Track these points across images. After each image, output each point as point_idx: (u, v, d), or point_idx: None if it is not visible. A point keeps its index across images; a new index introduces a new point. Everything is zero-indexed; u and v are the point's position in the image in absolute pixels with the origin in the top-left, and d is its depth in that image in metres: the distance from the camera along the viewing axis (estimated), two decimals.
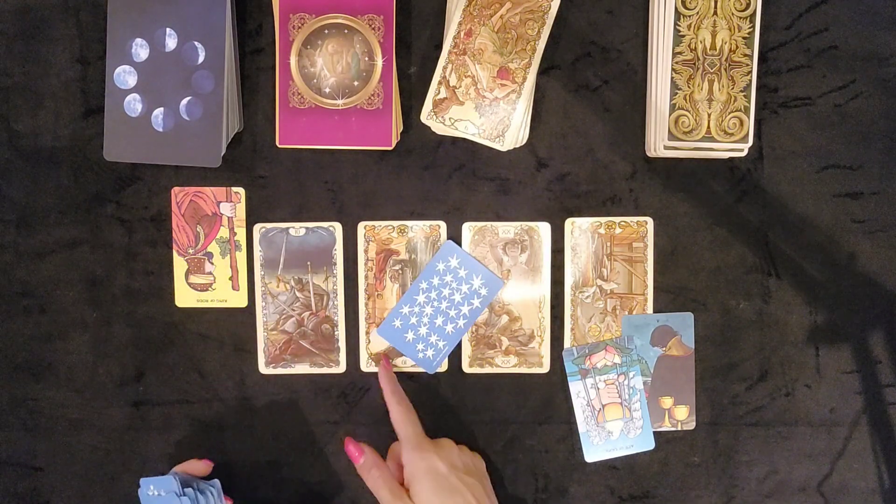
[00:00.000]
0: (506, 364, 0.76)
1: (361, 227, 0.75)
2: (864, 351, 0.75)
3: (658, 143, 0.72)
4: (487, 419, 0.76)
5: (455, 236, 0.75)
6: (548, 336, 0.75)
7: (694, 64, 0.71)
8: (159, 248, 0.76)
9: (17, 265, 0.76)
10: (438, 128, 0.73)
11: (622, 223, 0.75)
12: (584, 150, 0.75)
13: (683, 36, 0.71)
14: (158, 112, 0.72)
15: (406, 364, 0.76)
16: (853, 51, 0.74)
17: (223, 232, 0.76)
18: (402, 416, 0.70)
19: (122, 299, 0.76)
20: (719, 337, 0.76)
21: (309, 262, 0.76)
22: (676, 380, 0.76)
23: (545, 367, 0.76)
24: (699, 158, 0.74)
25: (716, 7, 0.71)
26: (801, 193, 0.75)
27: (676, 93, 0.71)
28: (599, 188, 0.75)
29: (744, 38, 0.71)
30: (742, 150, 0.73)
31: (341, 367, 0.76)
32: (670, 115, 0.71)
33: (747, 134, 0.72)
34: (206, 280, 0.76)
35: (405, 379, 0.75)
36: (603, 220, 0.75)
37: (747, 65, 0.71)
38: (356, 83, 0.73)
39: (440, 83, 0.72)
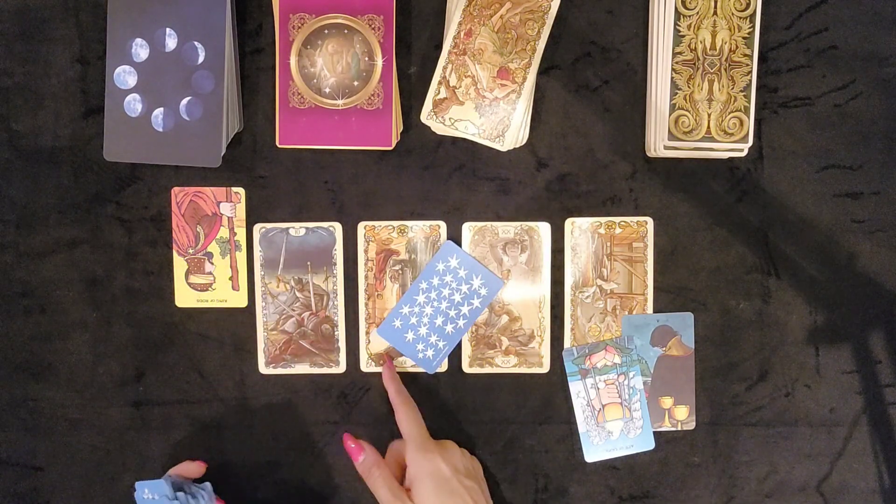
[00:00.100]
0: (506, 364, 0.76)
1: (361, 227, 0.75)
2: (864, 351, 0.75)
3: (658, 143, 0.72)
4: (487, 419, 0.76)
5: (455, 236, 0.75)
6: (548, 336, 0.75)
7: (694, 64, 0.71)
8: (159, 248, 0.76)
9: (17, 265, 0.76)
10: (438, 128, 0.73)
11: (622, 223, 0.75)
12: (584, 150, 0.75)
13: (683, 36, 0.71)
14: (158, 112, 0.72)
15: (406, 364, 0.76)
16: (853, 51, 0.74)
17: (223, 232, 0.76)
18: (407, 416, 0.70)
19: (122, 299, 0.76)
20: (719, 337, 0.76)
21: (309, 262, 0.76)
22: (676, 380, 0.76)
23: (545, 367, 0.76)
24: (699, 158, 0.74)
25: (716, 7, 0.71)
26: (801, 193, 0.75)
27: (676, 93, 0.71)
28: (599, 188, 0.75)
29: (744, 38, 0.71)
30: (742, 150, 0.73)
31: (341, 367, 0.76)
32: (670, 115, 0.71)
33: (747, 134, 0.72)
34: (206, 280, 0.76)
35: (405, 379, 0.75)
36: (603, 220, 0.75)
37: (747, 65, 0.71)
38: (356, 83, 0.73)
39: (440, 83, 0.72)
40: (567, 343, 0.75)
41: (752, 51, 0.71)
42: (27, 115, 0.75)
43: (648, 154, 0.75)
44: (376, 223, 0.75)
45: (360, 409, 0.76)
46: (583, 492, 0.76)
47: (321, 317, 0.76)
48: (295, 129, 0.73)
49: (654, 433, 0.75)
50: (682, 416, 0.76)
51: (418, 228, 0.75)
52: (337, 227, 0.75)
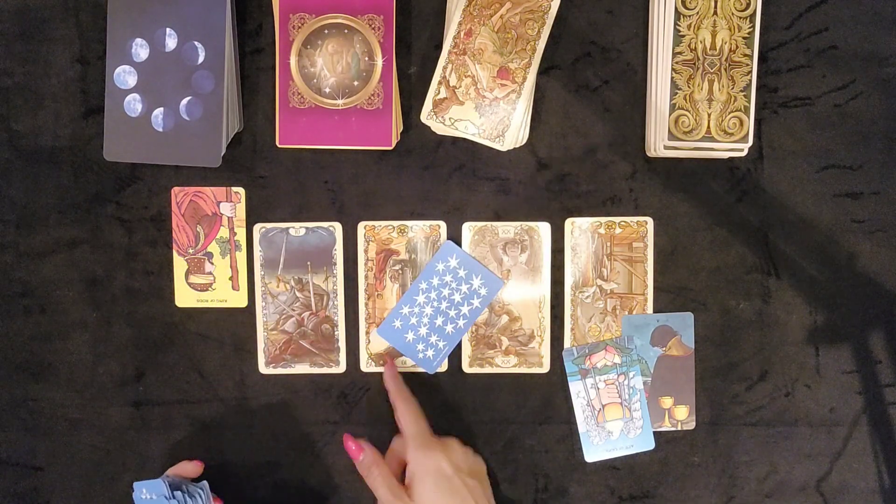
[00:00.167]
0: (506, 364, 0.76)
1: (361, 227, 0.75)
2: (864, 351, 0.75)
3: (658, 143, 0.72)
4: (487, 419, 0.76)
5: (455, 236, 0.75)
6: (548, 336, 0.75)
7: (694, 64, 0.71)
8: (159, 248, 0.76)
9: (17, 265, 0.76)
10: (438, 128, 0.73)
11: (622, 223, 0.75)
12: (584, 150, 0.75)
13: (683, 36, 0.71)
14: (158, 112, 0.72)
15: (406, 364, 0.76)
16: (853, 51, 0.74)
17: (223, 232, 0.76)
18: (408, 414, 0.70)
19: (122, 299, 0.76)
20: (719, 337, 0.76)
21: (309, 262, 0.76)
22: (676, 380, 0.76)
23: (545, 367, 0.76)
24: (699, 158, 0.74)
25: (716, 7, 0.71)
26: (801, 193, 0.75)
27: (676, 93, 0.71)
28: (599, 188, 0.75)
29: (744, 38, 0.71)
30: (742, 150, 0.73)
31: (341, 367, 0.76)
32: (670, 115, 0.71)
33: (747, 134, 0.72)
34: (206, 280, 0.76)
35: (406, 379, 0.75)
36: (603, 220, 0.75)
37: (747, 65, 0.71)
38: (356, 83, 0.73)
39: (440, 83, 0.72)
40: (567, 343, 0.75)
41: (752, 51, 0.71)
42: (27, 115, 0.75)
43: (648, 154, 0.75)
44: (376, 223, 0.75)
45: (360, 409, 0.76)
46: (583, 492, 0.76)
47: (321, 317, 0.76)
48: (295, 129, 0.73)
49: (654, 433, 0.75)
50: (682, 416, 0.76)
51: (418, 228, 0.75)
52: (337, 227, 0.75)
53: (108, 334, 0.76)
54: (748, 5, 0.71)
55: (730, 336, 0.76)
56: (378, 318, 0.75)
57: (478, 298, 0.75)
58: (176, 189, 0.75)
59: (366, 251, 0.75)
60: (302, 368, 0.76)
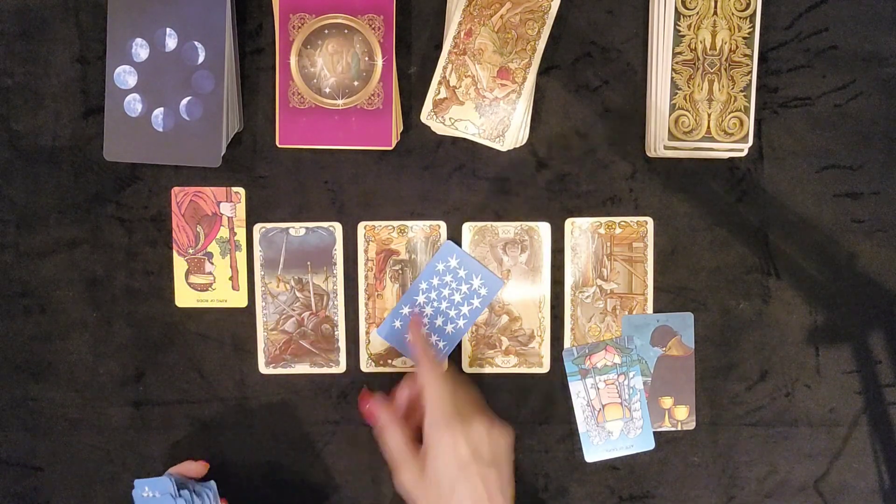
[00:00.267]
0: (506, 364, 0.76)
1: (361, 227, 0.75)
2: (864, 351, 0.75)
3: (658, 143, 0.72)
4: None
5: (455, 236, 0.75)
6: (548, 336, 0.75)
7: (694, 64, 0.71)
8: (159, 248, 0.76)
9: (17, 265, 0.76)
10: (438, 128, 0.73)
11: (622, 223, 0.75)
12: (584, 150, 0.75)
13: (683, 36, 0.71)
14: (158, 112, 0.72)
15: (406, 364, 0.76)
16: (853, 51, 0.74)
17: (223, 232, 0.76)
18: (430, 378, 0.66)
19: (122, 299, 0.76)
20: (719, 337, 0.76)
21: (309, 262, 0.76)
22: (676, 380, 0.76)
23: (545, 367, 0.76)
24: (699, 158, 0.74)
25: (716, 7, 0.71)
26: (801, 193, 0.75)
27: (676, 93, 0.71)
28: (599, 188, 0.75)
29: (744, 38, 0.71)
30: (742, 150, 0.73)
31: (341, 367, 0.76)
32: (670, 115, 0.71)
33: (747, 134, 0.72)
34: (206, 280, 0.76)
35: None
36: (603, 220, 0.75)
37: (747, 65, 0.71)
38: (356, 83, 0.73)
39: (440, 83, 0.72)
40: (567, 343, 0.75)
41: (752, 51, 0.71)
42: (27, 115, 0.75)
43: (648, 154, 0.75)
44: (376, 223, 0.75)
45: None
46: (583, 492, 0.76)
47: (321, 317, 0.76)
48: (295, 129, 0.73)
49: (654, 433, 0.75)
50: (682, 416, 0.76)
51: (418, 228, 0.75)
52: (337, 227, 0.75)
53: (108, 334, 0.76)
54: (748, 5, 0.71)
55: (730, 336, 0.76)
56: (378, 318, 0.75)
57: (478, 298, 0.75)
58: (176, 189, 0.75)
59: (366, 251, 0.75)
60: (302, 368, 0.76)
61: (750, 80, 0.71)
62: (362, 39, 0.73)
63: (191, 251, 0.76)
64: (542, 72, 0.74)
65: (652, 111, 0.73)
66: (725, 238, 0.75)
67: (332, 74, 0.73)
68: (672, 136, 0.72)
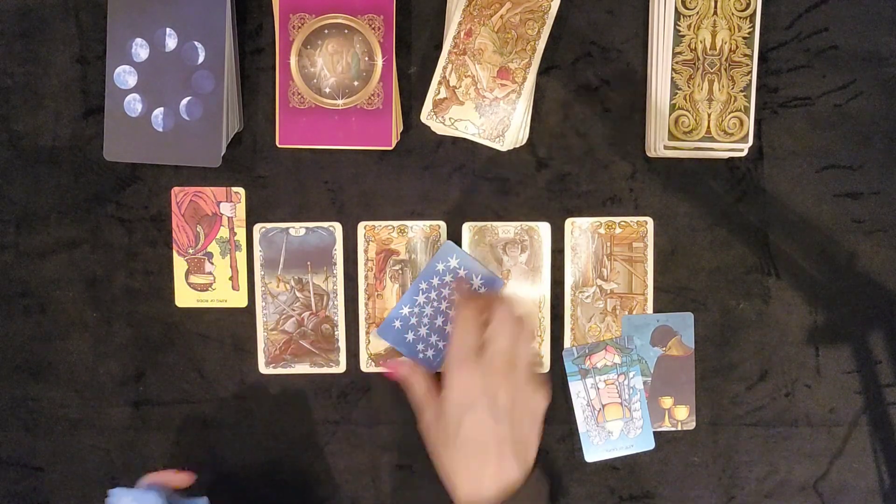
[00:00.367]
0: None
1: (361, 227, 0.75)
2: (864, 351, 0.75)
3: (658, 143, 0.72)
4: None
5: (455, 236, 0.75)
6: (548, 336, 0.75)
7: (694, 64, 0.71)
8: (159, 248, 0.76)
9: (17, 265, 0.76)
10: (438, 128, 0.73)
11: (622, 223, 0.75)
12: (584, 150, 0.75)
13: (683, 36, 0.71)
14: (158, 112, 0.72)
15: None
16: (853, 51, 0.74)
17: (223, 232, 0.76)
18: (459, 320, 0.64)
19: (122, 299, 0.76)
20: (719, 337, 0.76)
21: (309, 262, 0.76)
22: (676, 380, 0.76)
23: (545, 367, 0.76)
24: (699, 158, 0.74)
25: (716, 7, 0.71)
26: (801, 193, 0.75)
27: (676, 93, 0.71)
28: (599, 188, 0.75)
29: (744, 38, 0.71)
30: (742, 150, 0.73)
31: (341, 367, 0.76)
32: (670, 115, 0.71)
33: (747, 134, 0.72)
34: (206, 280, 0.76)
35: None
36: (603, 220, 0.75)
37: (747, 65, 0.71)
38: (356, 83, 0.73)
39: (440, 83, 0.72)
40: (567, 343, 0.75)
41: (752, 51, 0.71)
42: (27, 115, 0.75)
43: (648, 154, 0.75)
44: (376, 223, 0.75)
45: (360, 409, 0.76)
46: (583, 492, 0.76)
47: (321, 317, 0.76)
48: (295, 129, 0.73)
49: (654, 433, 0.75)
50: (682, 416, 0.76)
51: (418, 228, 0.75)
52: (337, 227, 0.75)
53: (108, 334, 0.76)
54: (748, 5, 0.71)
55: (730, 336, 0.76)
56: (378, 318, 0.75)
57: None
58: (176, 189, 0.75)
59: (366, 251, 0.75)
60: (302, 368, 0.76)
61: (750, 80, 0.71)
62: (362, 39, 0.73)
63: (191, 251, 0.76)
64: (542, 72, 0.74)
65: (652, 111, 0.73)
66: (725, 238, 0.75)
67: (332, 74, 0.73)
68: (672, 136, 0.72)
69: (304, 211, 0.76)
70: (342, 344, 0.76)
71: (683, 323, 0.75)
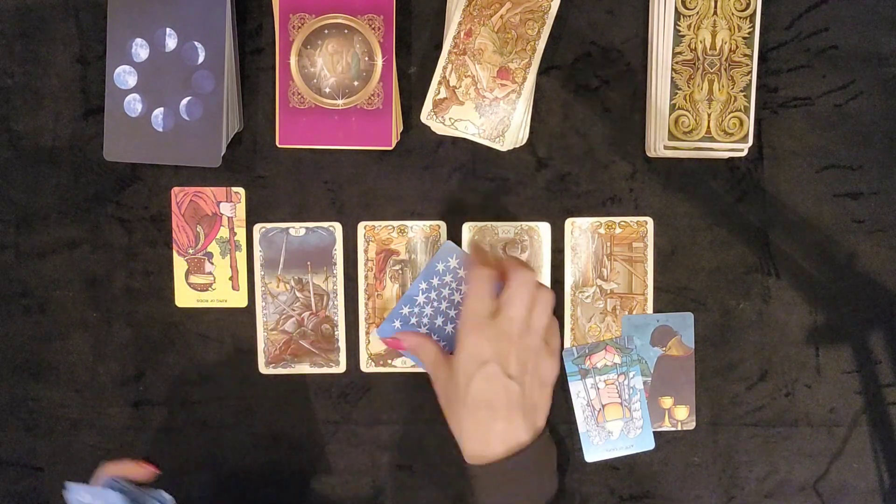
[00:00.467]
0: None
1: (361, 227, 0.75)
2: (864, 351, 0.75)
3: (658, 143, 0.72)
4: None
5: (455, 236, 0.75)
6: None
7: (694, 64, 0.71)
8: (159, 248, 0.76)
9: (17, 265, 0.76)
10: (438, 128, 0.73)
11: (622, 223, 0.75)
12: (584, 150, 0.75)
13: (683, 36, 0.71)
14: (158, 112, 0.72)
15: (406, 364, 0.76)
16: (853, 51, 0.74)
17: (223, 232, 0.76)
18: (473, 282, 0.65)
19: (122, 299, 0.76)
20: (719, 337, 0.76)
21: (309, 262, 0.76)
22: (676, 380, 0.76)
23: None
24: (699, 158, 0.74)
25: (716, 7, 0.71)
26: (801, 193, 0.75)
27: (676, 93, 0.71)
28: (599, 188, 0.75)
29: (744, 38, 0.71)
30: (742, 150, 0.73)
31: (341, 367, 0.76)
32: (670, 115, 0.71)
33: (747, 134, 0.72)
34: (206, 280, 0.76)
35: (405, 379, 0.75)
36: (603, 220, 0.75)
37: (747, 65, 0.71)
38: (356, 83, 0.73)
39: (440, 83, 0.72)
40: (567, 343, 0.75)
41: (752, 51, 0.71)
42: (27, 115, 0.75)
43: (648, 154, 0.75)
44: (376, 223, 0.75)
45: (360, 409, 0.76)
46: (583, 492, 0.76)
47: (321, 317, 0.76)
48: (295, 129, 0.73)
49: (654, 433, 0.75)
50: (682, 416, 0.76)
51: (418, 228, 0.75)
52: (337, 227, 0.75)
53: (108, 334, 0.76)
54: (748, 5, 0.71)
55: (730, 336, 0.76)
56: (378, 318, 0.75)
57: None
58: (176, 189, 0.75)
59: (366, 251, 0.75)
60: (302, 368, 0.76)
61: (750, 80, 0.71)
62: (362, 39, 0.73)
63: (191, 251, 0.76)
64: (542, 72, 0.74)
65: (652, 111, 0.73)
66: (725, 238, 0.75)
67: (332, 74, 0.73)
68: (672, 136, 0.72)
69: (304, 211, 0.76)
70: (342, 344, 0.76)
71: (683, 323, 0.75)
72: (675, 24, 0.71)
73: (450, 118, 0.73)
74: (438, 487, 0.76)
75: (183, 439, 0.76)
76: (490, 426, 0.62)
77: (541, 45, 0.72)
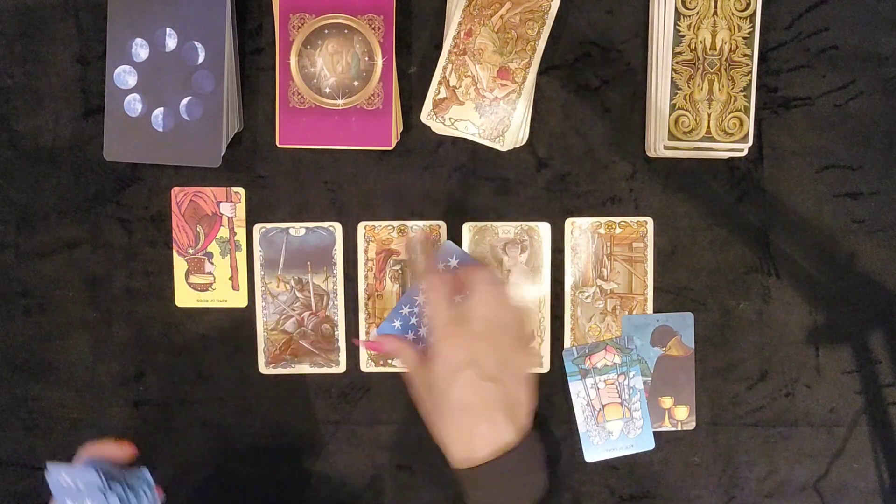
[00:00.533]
0: None
1: (361, 227, 0.75)
2: (864, 351, 0.75)
3: (658, 143, 0.72)
4: None
5: (455, 236, 0.75)
6: (548, 336, 0.75)
7: (694, 64, 0.71)
8: (159, 248, 0.76)
9: (17, 265, 0.76)
10: (438, 128, 0.73)
11: (622, 223, 0.75)
12: (584, 150, 0.75)
13: (683, 36, 0.71)
14: (158, 112, 0.72)
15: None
16: (853, 51, 0.74)
17: (223, 232, 0.76)
18: (434, 295, 0.64)
19: (122, 299, 0.76)
20: (719, 337, 0.76)
21: (309, 262, 0.76)
22: (676, 380, 0.76)
23: (545, 367, 0.76)
24: (699, 158, 0.74)
25: (716, 7, 0.71)
26: (801, 193, 0.75)
27: (676, 93, 0.71)
28: (599, 188, 0.75)
29: (744, 38, 0.71)
30: (742, 150, 0.73)
31: (341, 367, 0.76)
32: (670, 115, 0.71)
33: (747, 134, 0.72)
34: (206, 280, 0.76)
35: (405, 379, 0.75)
36: (603, 220, 0.75)
37: (747, 65, 0.71)
38: (356, 83, 0.73)
39: (440, 83, 0.72)
40: (567, 343, 0.75)
41: (752, 51, 0.71)
42: (27, 115, 0.75)
43: (648, 154, 0.75)
44: (376, 223, 0.75)
45: (360, 409, 0.76)
46: (583, 492, 0.76)
47: (321, 317, 0.76)
48: (295, 129, 0.73)
49: (654, 433, 0.75)
50: (682, 416, 0.76)
51: (418, 228, 0.75)
52: (337, 227, 0.75)
53: (108, 334, 0.76)
54: (748, 5, 0.71)
55: (730, 336, 0.76)
56: (378, 318, 0.75)
57: None
58: (176, 189, 0.75)
59: (366, 251, 0.75)
60: (302, 368, 0.76)
61: (750, 80, 0.71)
62: (362, 39, 0.73)
63: (191, 251, 0.76)
64: (542, 72, 0.74)
65: (652, 111, 0.73)
66: (725, 238, 0.75)
67: (332, 74, 0.73)
68: (672, 136, 0.72)
69: (304, 211, 0.76)
70: (342, 344, 0.76)
71: (683, 323, 0.75)
72: (675, 24, 0.71)
73: (450, 118, 0.73)
74: (438, 487, 0.76)
75: (183, 439, 0.76)
76: (474, 430, 0.61)
77: (541, 45, 0.72)
